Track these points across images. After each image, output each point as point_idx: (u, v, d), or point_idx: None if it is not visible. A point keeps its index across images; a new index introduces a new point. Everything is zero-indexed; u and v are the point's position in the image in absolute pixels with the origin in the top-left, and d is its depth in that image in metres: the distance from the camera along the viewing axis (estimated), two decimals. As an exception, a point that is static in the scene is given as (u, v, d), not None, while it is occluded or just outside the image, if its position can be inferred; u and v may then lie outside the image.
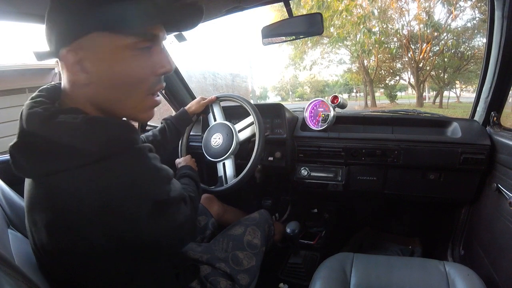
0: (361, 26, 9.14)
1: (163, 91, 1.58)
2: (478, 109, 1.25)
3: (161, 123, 1.21)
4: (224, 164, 1.22)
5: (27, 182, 0.56)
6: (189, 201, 0.71)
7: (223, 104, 1.35)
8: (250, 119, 1.23)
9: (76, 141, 0.49)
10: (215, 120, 1.32)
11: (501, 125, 1.19)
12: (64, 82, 0.56)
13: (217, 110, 1.33)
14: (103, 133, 0.51)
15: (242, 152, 1.26)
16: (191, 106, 1.27)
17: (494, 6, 1.02)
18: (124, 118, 0.60)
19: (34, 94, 0.58)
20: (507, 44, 1.02)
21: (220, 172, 1.23)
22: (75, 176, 0.49)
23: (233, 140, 1.22)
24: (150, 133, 1.16)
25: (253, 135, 1.19)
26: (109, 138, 0.51)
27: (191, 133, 1.41)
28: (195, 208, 0.80)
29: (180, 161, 1.21)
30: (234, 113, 1.42)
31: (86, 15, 0.50)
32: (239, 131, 1.24)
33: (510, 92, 1.14)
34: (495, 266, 1.06)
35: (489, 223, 1.16)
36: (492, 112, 1.18)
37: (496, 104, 1.17)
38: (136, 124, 0.67)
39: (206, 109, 1.33)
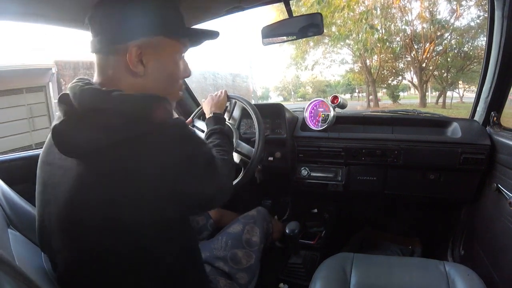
0: (363, 23, 9.11)
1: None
2: (478, 109, 1.25)
3: None
4: None
5: (59, 171, 0.57)
6: (223, 162, 0.78)
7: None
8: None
9: (137, 112, 0.55)
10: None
11: (501, 125, 1.19)
12: (107, 70, 0.62)
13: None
14: (158, 106, 0.58)
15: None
16: None
17: (494, 6, 1.02)
18: None
19: (74, 81, 0.61)
20: (507, 44, 1.02)
21: None
22: (136, 146, 0.54)
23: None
24: None
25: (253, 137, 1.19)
26: (163, 110, 0.59)
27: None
28: (232, 167, 0.86)
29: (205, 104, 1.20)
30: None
31: (158, 21, 0.63)
32: (243, 133, 1.22)
33: (511, 92, 1.14)
34: (495, 266, 1.06)
35: (489, 223, 1.16)
36: (492, 112, 1.18)
37: (496, 104, 1.17)
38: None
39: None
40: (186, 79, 1.63)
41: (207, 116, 1.11)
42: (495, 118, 1.18)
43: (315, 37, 9.73)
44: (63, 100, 0.57)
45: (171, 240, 0.64)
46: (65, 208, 0.55)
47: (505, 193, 1.01)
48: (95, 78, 0.63)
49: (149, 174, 0.54)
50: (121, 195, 0.53)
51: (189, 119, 1.31)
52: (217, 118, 1.06)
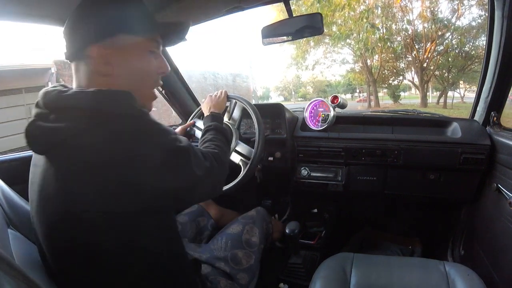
0: (364, 22, 9.09)
1: (163, 92, 1.59)
2: (478, 109, 1.25)
3: None
4: None
5: (38, 169, 0.59)
6: (210, 156, 0.74)
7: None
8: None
9: (92, 105, 0.56)
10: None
11: (501, 125, 1.19)
12: (81, 76, 0.64)
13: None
14: (109, 98, 0.58)
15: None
16: None
17: (494, 6, 1.02)
18: None
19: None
20: (507, 44, 1.02)
21: None
22: (92, 139, 0.54)
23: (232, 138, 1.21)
24: None
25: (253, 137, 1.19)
26: (114, 101, 0.59)
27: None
28: (221, 162, 0.79)
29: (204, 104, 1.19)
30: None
31: (117, 19, 0.63)
32: (243, 133, 1.22)
33: (511, 92, 1.14)
34: (495, 266, 1.06)
35: (489, 223, 1.16)
36: (492, 112, 1.18)
37: (496, 104, 1.17)
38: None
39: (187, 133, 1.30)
40: (186, 79, 1.65)
41: (205, 116, 1.11)
42: (495, 118, 1.18)
43: (316, 36, 9.67)
44: (37, 104, 0.60)
45: (171, 240, 0.65)
46: (38, 204, 0.58)
47: (505, 193, 1.01)
48: (74, 86, 0.65)
49: (104, 167, 0.53)
50: (78, 188, 0.54)
51: (189, 121, 1.31)
52: (214, 116, 1.07)
